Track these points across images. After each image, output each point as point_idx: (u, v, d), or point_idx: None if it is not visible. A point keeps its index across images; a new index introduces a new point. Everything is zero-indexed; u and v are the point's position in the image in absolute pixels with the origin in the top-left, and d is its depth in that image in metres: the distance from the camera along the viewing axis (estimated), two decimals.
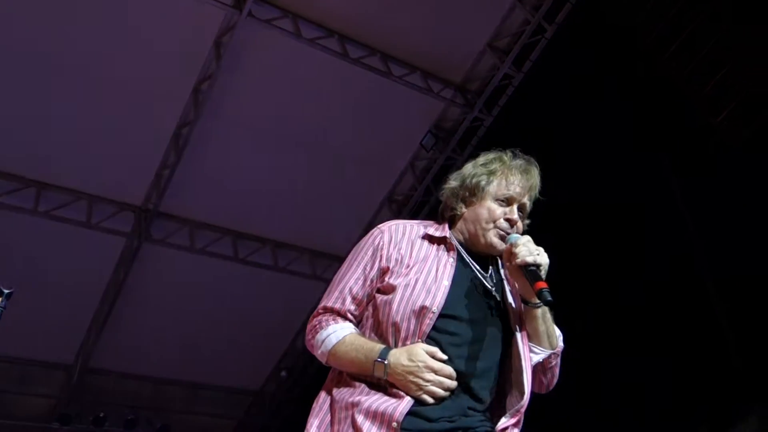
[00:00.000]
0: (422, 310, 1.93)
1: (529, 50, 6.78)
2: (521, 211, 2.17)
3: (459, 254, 2.12)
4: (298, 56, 6.45)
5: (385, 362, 1.87)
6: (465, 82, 7.19)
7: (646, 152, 6.82)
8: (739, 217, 6.25)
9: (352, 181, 7.52)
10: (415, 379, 1.84)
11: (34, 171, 6.77)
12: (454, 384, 1.87)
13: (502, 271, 2.16)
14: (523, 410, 1.95)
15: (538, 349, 2.08)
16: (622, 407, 6.69)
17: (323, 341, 2.03)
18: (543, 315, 2.08)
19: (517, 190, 2.16)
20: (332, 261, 8.08)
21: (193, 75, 6.47)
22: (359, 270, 2.09)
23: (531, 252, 1.99)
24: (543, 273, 1.98)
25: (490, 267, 2.16)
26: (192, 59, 6.37)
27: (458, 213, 2.20)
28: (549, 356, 2.10)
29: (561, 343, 2.16)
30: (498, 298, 2.08)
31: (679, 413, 6.40)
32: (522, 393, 1.95)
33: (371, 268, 2.08)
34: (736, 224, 6.30)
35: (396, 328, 1.94)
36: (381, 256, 2.08)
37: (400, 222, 2.20)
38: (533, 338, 2.08)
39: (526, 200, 2.18)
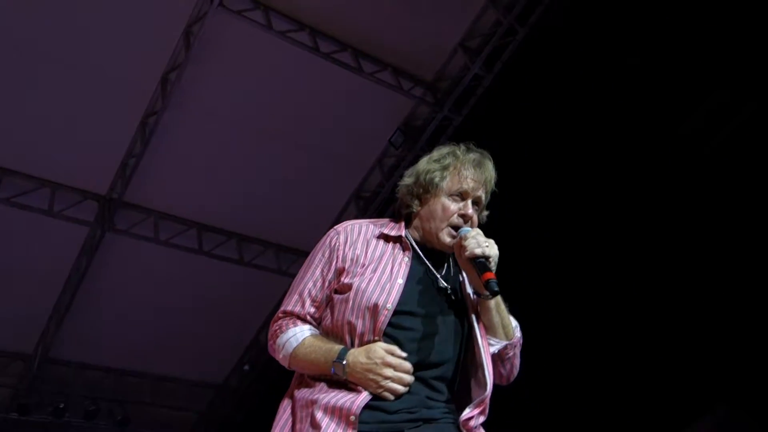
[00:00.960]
0: (376, 308, 1.94)
1: (500, 51, 6.83)
2: (476, 205, 2.19)
3: (415, 252, 2.14)
4: (268, 49, 6.42)
5: (344, 362, 1.89)
6: (435, 81, 7.22)
7: (619, 153, 6.88)
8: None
9: (319, 176, 7.52)
10: (374, 377, 1.86)
11: None
12: (412, 379, 1.89)
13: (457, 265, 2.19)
14: (486, 400, 1.97)
15: (493, 340, 2.10)
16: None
17: (284, 345, 2.05)
18: (496, 306, 2.10)
19: (471, 184, 2.17)
20: (298, 256, 8.06)
21: (161, 64, 6.40)
22: (317, 272, 2.11)
23: (479, 244, 2.01)
24: (492, 264, 2.00)
25: (447, 263, 2.19)
26: (160, 48, 6.30)
27: (414, 210, 2.22)
28: (505, 347, 2.12)
29: (518, 334, 2.18)
30: (454, 294, 2.11)
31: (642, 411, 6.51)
32: (485, 385, 1.97)
33: (328, 270, 2.10)
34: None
35: (351, 326, 1.96)
36: (337, 257, 2.10)
37: (356, 222, 2.22)
38: (488, 330, 2.10)
39: (480, 193, 2.19)
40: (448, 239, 2.12)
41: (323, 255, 2.13)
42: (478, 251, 1.99)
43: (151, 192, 7.27)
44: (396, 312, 1.95)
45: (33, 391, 8.45)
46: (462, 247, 2.04)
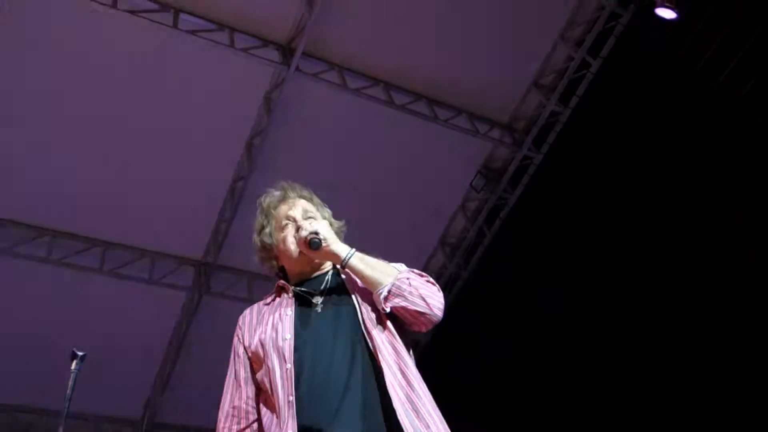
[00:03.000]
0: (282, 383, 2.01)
1: (575, 86, 6.78)
2: (306, 218, 2.32)
3: (295, 294, 2.21)
4: (345, 106, 6.60)
5: None
6: (512, 121, 7.21)
7: (701, 180, 6.66)
8: None
9: (403, 226, 7.52)
10: None
11: (98, 231, 7.02)
12: None
13: (340, 275, 2.25)
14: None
15: (379, 290, 2.07)
16: None
17: None
18: (360, 260, 2.14)
19: (287, 210, 2.34)
20: None
21: (245, 130, 6.68)
22: (231, 378, 2.23)
23: (305, 228, 2.18)
24: (322, 237, 2.14)
25: (326, 279, 2.26)
26: (244, 114, 6.58)
27: (277, 267, 2.37)
28: (392, 287, 2.06)
29: (402, 268, 2.18)
30: (336, 309, 2.14)
31: None
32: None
33: (240, 363, 2.23)
34: None
35: (276, 392, 2.02)
36: (242, 345, 2.24)
37: (251, 307, 2.36)
38: (371, 287, 2.11)
39: (299, 209, 2.34)
40: (293, 247, 2.24)
41: (234, 356, 2.26)
42: (303, 233, 2.15)
43: (244, 253, 7.46)
44: (297, 370, 2.00)
45: None
46: (299, 242, 2.19)
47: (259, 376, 2.13)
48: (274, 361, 2.04)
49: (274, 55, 6.20)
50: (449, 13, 6.36)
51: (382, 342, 2.04)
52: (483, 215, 7.48)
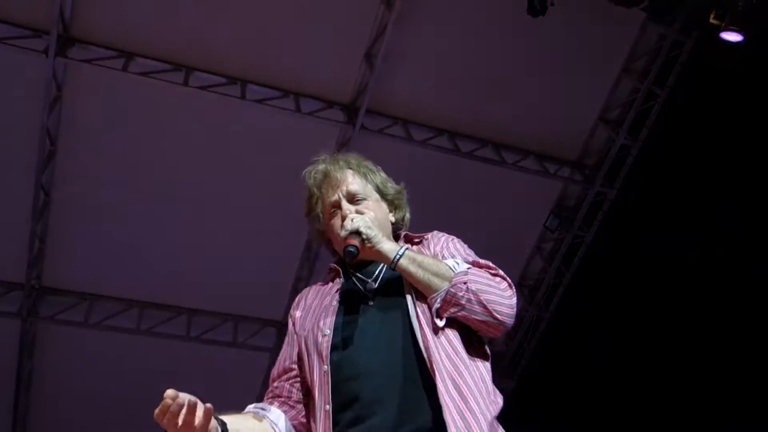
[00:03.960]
0: (320, 372, 1.83)
1: (643, 117, 6.66)
2: (353, 201, 2.10)
3: (346, 277, 2.05)
4: (411, 157, 6.66)
5: None
6: (581, 159, 7.12)
7: None
8: None
9: None
10: None
11: (184, 299, 7.26)
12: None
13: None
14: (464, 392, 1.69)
15: (433, 298, 1.81)
16: None
17: None
18: (411, 261, 1.87)
19: (332, 195, 2.12)
20: None
21: None
22: (282, 353, 2.05)
23: (345, 227, 1.93)
24: (365, 234, 1.88)
25: (384, 268, 2.02)
26: None
27: (332, 247, 2.19)
28: (447, 293, 1.80)
29: (459, 268, 1.86)
30: (388, 304, 1.91)
31: None
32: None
33: (293, 344, 2.02)
34: None
35: (313, 396, 1.84)
36: (294, 327, 2.04)
37: (309, 287, 2.20)
38: (425, 292, 1.84)
39: (344, 191, 2.11)
40: (340, 239, 1.99)
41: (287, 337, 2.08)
42: (343, 233, 1.92)
43: None
44: (333, 362, 1.81)
45: None
46: (343, 241, 1.92)
47: (303, 369, 1.93)
48: (314, 359, 1.85)
49: (338, 115, 6.36)
50: (505, 58, 6.40)
51: (437, 347, 1.77)
52: (560, 255, 7.35)
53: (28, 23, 5.51)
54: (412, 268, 1.86)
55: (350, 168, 2.18)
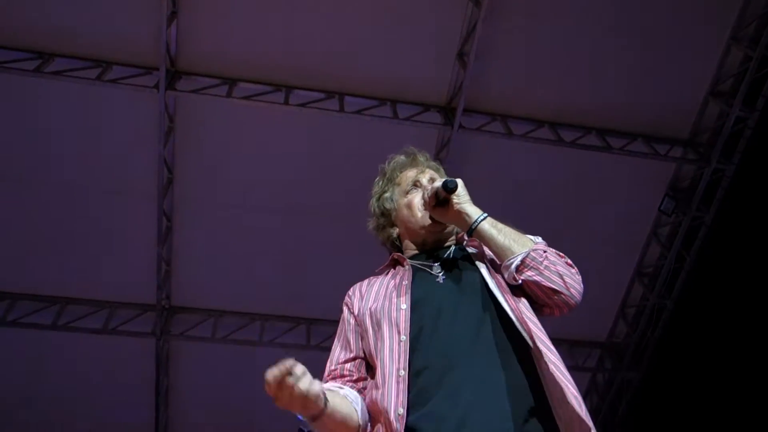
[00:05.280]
0: (394, 342, 1.86)
1: (759, 86, 6.26)
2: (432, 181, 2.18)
3: (412, 265, 2.07)
4: (512, 152, 6.57)
5: None
6: (693, 136, 6.77)
7: None
8: None
9: (596, 263, 7.15)
10: None
11: (301, 309, 7.49)
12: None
13: (467, 249, 2.08)
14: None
15: (511, 260, 1.89)
16: None
17: None
18: (492, 226, 1.97)
19: (416, 174, 2.24)
20: (591, 348, 7.77)
21: None
22: (341, 339, 2.10)
23: (432, 188, 2.04)
24: (460, 189, 2.01)
25: (449, 251, 2.09)
26: None
27: (395, 236, 2.22)
28: (526, 257, 1.88)
29: (539, 240, 2.00)
30: (461, 279, 1.96)
31: None
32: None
33: (350, 329, 2.07)
34: None
35: (383, 364, 1.86)
36: (352, 313, 2.08)
37: (360, 282, 2.22)
38: (501, 256, 1.93)
39: (427, 175, 2.21)
40: (419, 213, 2.13)
41: (343, 322, 2.12)
42: (437, 184, 2.00)
43: None
44: (413, 338, 1.84)
45: None
46: (427, 201, 2.06)
47: (366, 347, 1.98)
48: (385, 333, 1.88)
49: (436, 117, 6.38)
50: (602, 39, 6.19)
51: (522, 312, 1.84)
52: (680, 239, 7.01)
53: (138, 62, 5.89)
54: (494, 231, 1.95)
55: (431, 167, 2.35)
